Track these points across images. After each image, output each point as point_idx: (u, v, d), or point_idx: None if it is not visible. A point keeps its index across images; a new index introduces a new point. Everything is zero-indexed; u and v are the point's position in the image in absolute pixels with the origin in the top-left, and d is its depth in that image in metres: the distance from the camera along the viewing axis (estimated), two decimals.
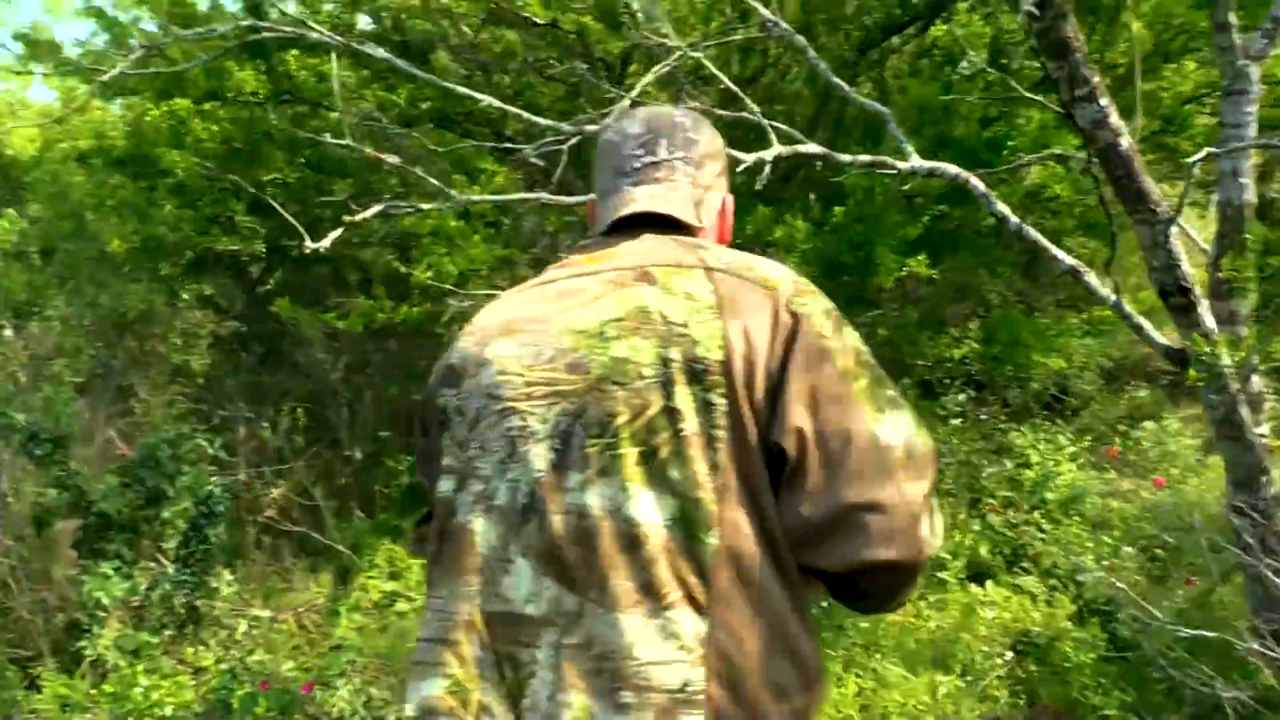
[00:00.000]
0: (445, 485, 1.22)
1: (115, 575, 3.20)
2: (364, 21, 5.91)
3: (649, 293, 1.19)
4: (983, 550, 4.27)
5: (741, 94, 2.91)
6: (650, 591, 1.08)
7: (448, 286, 3.75)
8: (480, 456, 1.19)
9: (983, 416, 6.11)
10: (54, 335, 4.35)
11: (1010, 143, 4.33)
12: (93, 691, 2.98)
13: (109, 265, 4.61)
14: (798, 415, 1.11)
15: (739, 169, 2.93)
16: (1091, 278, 3.01)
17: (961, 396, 5.73)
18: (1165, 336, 3.20)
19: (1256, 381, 3.15)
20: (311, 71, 5.64)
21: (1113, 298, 2.98)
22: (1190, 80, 4.79)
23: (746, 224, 4.81)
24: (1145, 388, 6.30)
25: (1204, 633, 2.65)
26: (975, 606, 4.00)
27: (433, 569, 1.22)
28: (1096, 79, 2.54)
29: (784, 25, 3.29)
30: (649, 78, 3.19)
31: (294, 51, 5.65)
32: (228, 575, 3.64)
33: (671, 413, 1.12)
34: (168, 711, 2.84)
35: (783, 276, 1.21)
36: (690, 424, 1.11)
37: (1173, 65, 4.88)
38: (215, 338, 5.12)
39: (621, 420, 1.13)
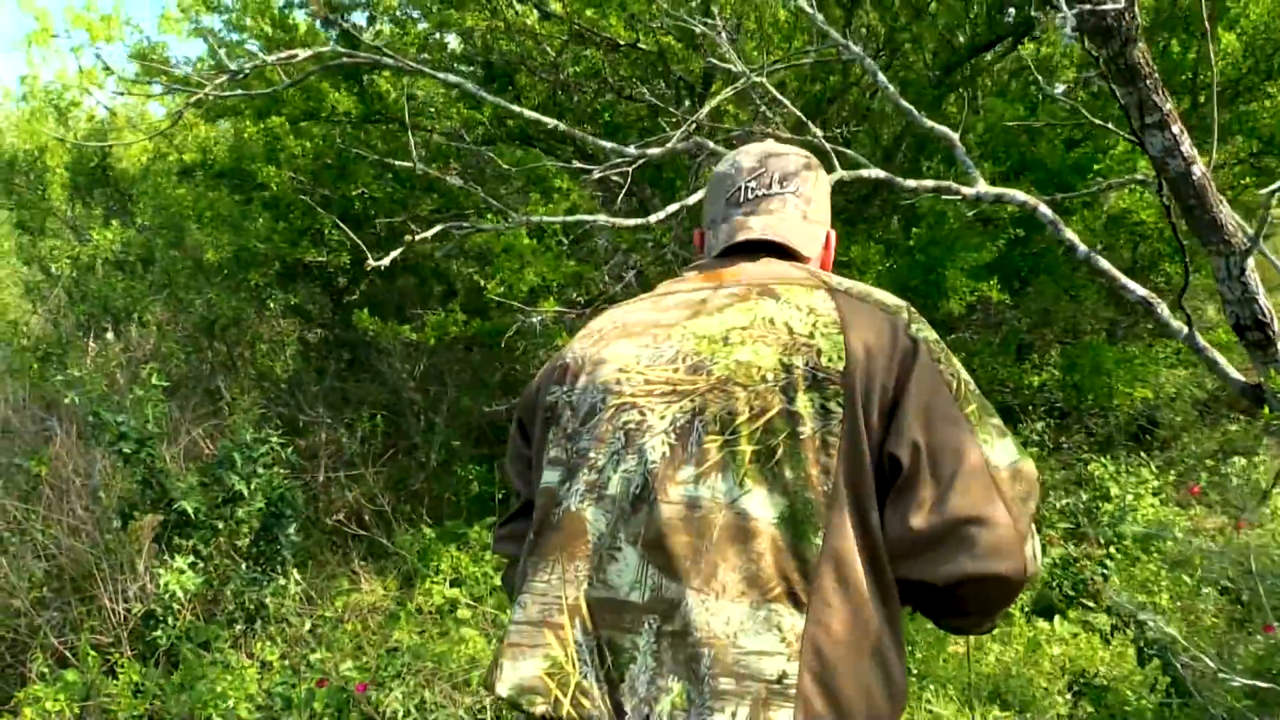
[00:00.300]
0: (550, 476, 1.27)
1: (190, 570, 3.34)
2: (454, 41, 6.10)
3: (773, 305, 1.27)
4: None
5: (805, 119, 2.92)
6: (756, 584, 1.11)
7: (516, 304, 3.83)
8: (594, 448, 1.24)
9: (1064, 446, 5.94)
10: (150, 340, 4.59)
11: (1096, 166, 4.21)
12: (163, 681, 3.12)
13: (204, 274, 4.84)
14: (914, 429, 1.16)
15: None
16: (1164, 309, 2.90)
17: (1040, 425, 5.57)
18: (1246, 373, 3.08)
19: None
20: (401, 91, 5.84)
21: (1184, 330, 2.88)
22: None
23: None
24: (1239, 421, 6.02)
25: (1273, 686, 2.52)
26: (1041, 642, 3.89)
27: (531, 556, 1.26)
28: (1169, 106, 2.46)
29: (854, 48, 3.27)
30: (717, 99, 3.22)
31: (385, 73, 5.87)
32: (296, 575, 3.77)
33: (791, 415, 1.17)
34: (230, 704, 2.96)
35: (900, 304, 1.29)
36: (808, 428, 1.16)
37: (1275, 83, 4.69)
38: (301, 345, 5.32)
39: (742, 419, 1.18)
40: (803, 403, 1.17)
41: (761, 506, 1.14)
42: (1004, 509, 1.14)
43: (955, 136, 3.10)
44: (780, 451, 1.16)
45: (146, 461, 3.43)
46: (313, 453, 5.09)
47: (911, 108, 3.18)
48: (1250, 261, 2.66)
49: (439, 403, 5.45)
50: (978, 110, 4.57)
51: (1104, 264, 2.94)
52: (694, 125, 3.15)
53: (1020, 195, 2.97)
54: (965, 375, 1.24)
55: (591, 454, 1.24)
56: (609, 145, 2.93)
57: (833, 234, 1.52)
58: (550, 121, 2.96)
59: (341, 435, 4.95)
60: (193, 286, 4.92)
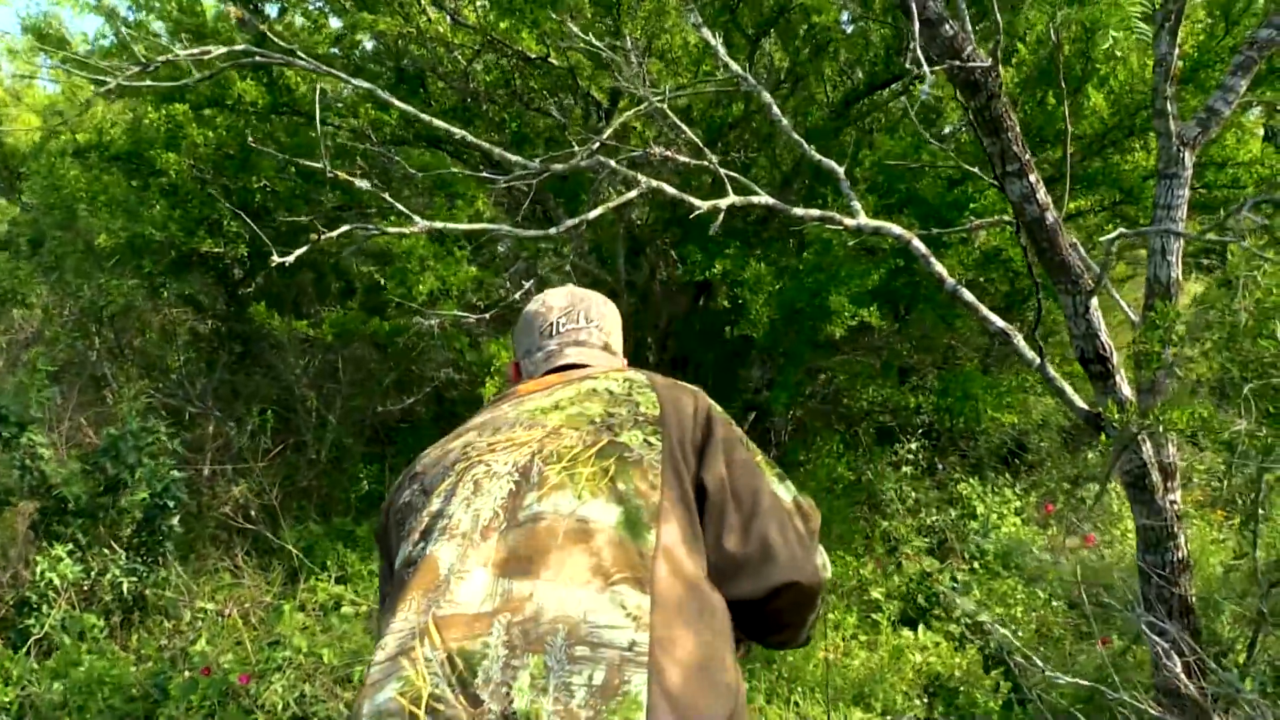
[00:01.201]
0: (406, 547, 1.36)
1: (67, 558, 3.30)
2: (367, 40, 6.11)
3: (593, 382, 1.54)
4: (875, 593, 4.40)
5: (703, 145, 3.07)
6: (600, 571, 1.23)
7: (415, 306, 3.89)
8: (446, 506, 1.36)
9: (939, 467, 6.27)
10: (34, 323, 4.47)
11: (972, 205, 4.50)
12: (35, 667, 3.08)
13: (94, 259, 4.74)
14: (720, 466, 1.41)
15: (693, 215, 3.10)
16: (1019, 340, 3.16)
17: (915, 445, 5.88)
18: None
19: (1171, 450, 3.31)
20: (311, 86, 5.82)
21: (1036, 361, 3.14)
22: (1152, 156, 4.98)
23: (716, 263, 4.98)
24: (1096, 448, 6.45)
25: (1096, 686, 2.78)
26: (904, 650, 4.13)
27: (391, 606, 1.32)
28: (1027, 156, 2.71)
29: (751, 81, 3.46)
30: (620, 119, 3.35)
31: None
32: (178, 567, 3.75)
33: (620, 445, 1.39)
34: (105, 692, 2.94)
35: (697, 388, 1.55)
36: (633, 454, 1.37)
37: (1137, 139, 5.08)
38: (192, 335, 5.24)
39: (576, 450, 1.38)
40: (628, 437, 1.40)
41: (600, 513, 1.30)
42: (794, 531, 1.41)
43: (840, 171, 3.31)
44: (613, 470, 1.35)
45: (26, 447, 3.37)
46: (199, 445, 5.02)
47: (803, 140, 3.38)
48: (1094, 301, 2.93)
49: (332, 400, 5.44)
50: (870, 145, 4.83)
51: (968, 296, 3.18)
52: (598, 145, 3.28)
53: (896, 229, 3.19)
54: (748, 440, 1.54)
55: (443, 510, 1.35)
56: (514, 158, 3.03)
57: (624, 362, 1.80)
58: (458, 131, 3.04)
59: (230, 429, 4.90)
60: (81, 271, 4.81)
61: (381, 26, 4.50)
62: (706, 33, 3.57)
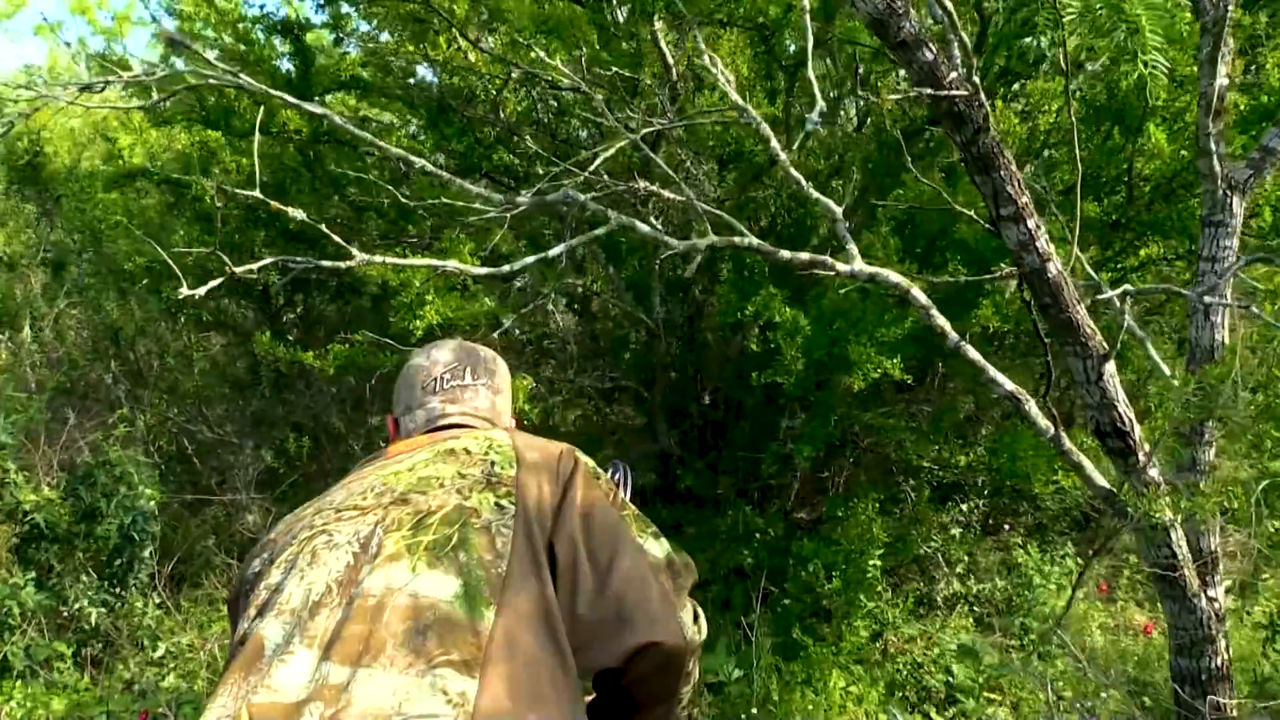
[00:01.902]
0: (243, 623, 1.27)
1: (30, 585, 3.24)
2: (425, 71, 6.08)
3: (455, 441, 1.45)
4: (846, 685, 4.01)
5: (680, 182, 2.84)
6: (422, 654, 1.15)
7: (409, 346, 3.75)
8: (284, 579, 1.27)
9: (1002, 528, 5.81)
10: (46, 343, 4.51)
11: None
12: None
13: (121, 279, 4.77)
14: (574, 525, 1.31)
15: (663, 255, 2.87)
16: (1032, 406, 2.81)
17: (967, 506, 5.45)
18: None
19: (1213, 540, 2.89)
20: (352, 112, 5.82)
21: (1050, 430, 2.78)
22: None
23: (749, 304, 4.70)
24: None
25: None
26: None
27: (215, 688, 1.24)
28: (1025, 199, 2.39)
29: (752, 112, 3.22)
30: (604, 155, 3.16)
31: (339, 94, 5.86)
32: (156, 598, 3.67)
33: (466, 509, 1.30)
34: None
35: (566, 446, 1.47)
36: (481, 519, 1.28)
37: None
38: (211, 362, 5.23)
39: (421, 515, 1.29)
40: (478, 500, 1.31)
41: (435, 586, 1.20)
42: (657, 588, 1.32)
43: (838, 210, 3.03)
44: (455, 539, 1.25)
45: (3, 470, 3.35)
46: (222, 470, 4.99)
47: (800, 177, 3.11)
48: (1110, 366, 2.57)
49: (358, 428, 5.35)
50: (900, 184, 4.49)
51: (973, 354, 2.85)
52: (575, 176, 3.09)
53: (894, 277, 2.88)
54: (623, 496, 1.48)
55: (282, 583, 1.27)
56: (481, 191, 2.86)
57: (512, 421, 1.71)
58: (417, 160, 2.89)
59: (261, 453, 4.85)
60: (103, 290, 4.85)
61: (399, 50, 4.42)
62: (709, 62, 3.35)
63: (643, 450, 6.36)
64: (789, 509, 5.77)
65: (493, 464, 1.38)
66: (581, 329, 6.39)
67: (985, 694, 4.56)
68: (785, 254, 2.98)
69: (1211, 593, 2.84)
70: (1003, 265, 4.08)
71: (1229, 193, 2.79)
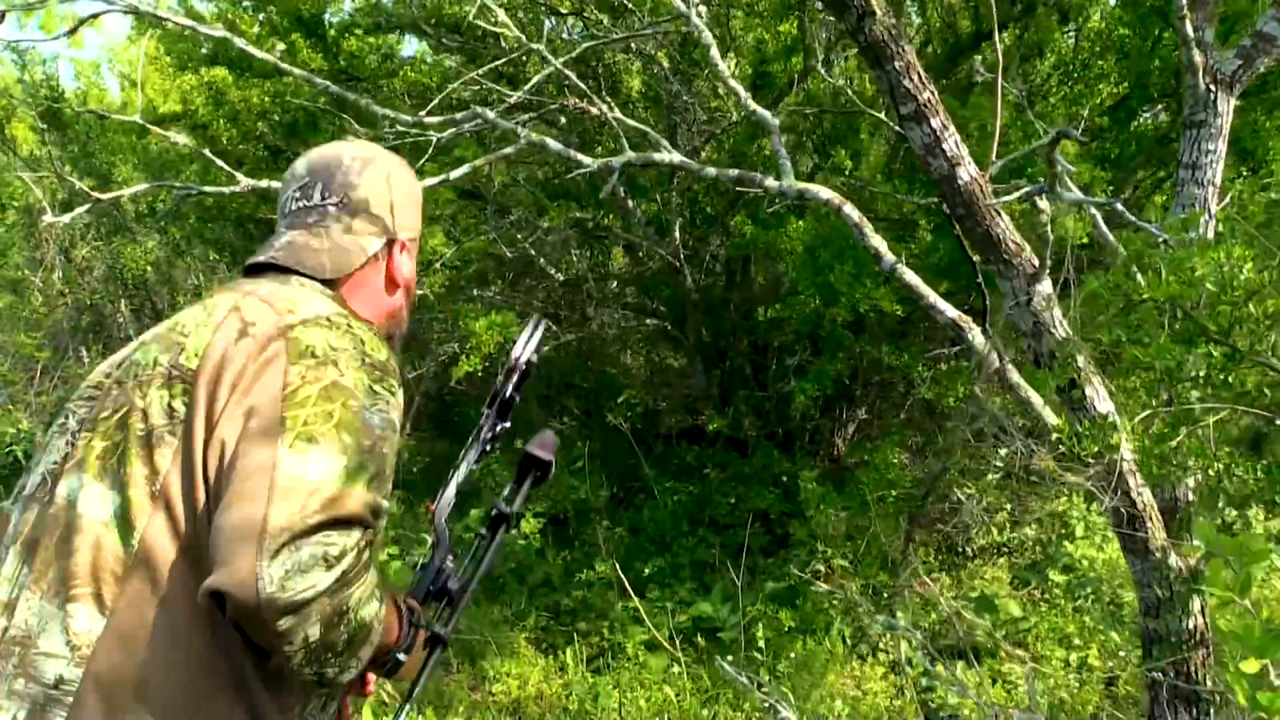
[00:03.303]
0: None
1: None
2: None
3: (194, 308, 1.21)
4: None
5: (591, 94, 2.63)
6: (65, 582, 1.06)
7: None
8: (37, 458, 1.22)
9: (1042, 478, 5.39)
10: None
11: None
12: None
13: (141, 219, 4.84)
14: (226, 429, 1.06)
15: (572, 173, 2.68)
16: (976, 335, 2.51)
17: (1004, 451, 5.07)
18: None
19: (1189, 484, 2.54)
20: (374, 50, 5.74)
21: (995, 362, 2.48)
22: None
23: (755, 233, 4.42)
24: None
25: None
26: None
27: None
28: (927, 95, 2.09)
29: (695, 19, 2.95)
30: (534, 82, 2.97)
31: (358, 31, 5.78)
32: None
33: (141, 413, 1.11)
34: None
35: (308, 312, 1.16)
36: (146, 424, 1.10)
37: None
38: None
39: (102, 415, 1.14)
40: (153, 399, 1.11)
41: (95, 504, 1.09)
42: (262, 514, 0.97)
43: (775, 123, 2.76)
44: (123, 448, 1.10)
45: None
46: None
47: (739, 88, 2.85)
48: (1043, 286, 2.25)
49: None
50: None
51: (911, 278, 2.56)
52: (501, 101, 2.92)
53: (825, 193, 2.61)
54: (351, 385, 1.09)
55: (37, 460, 1.21)
56: (381, 111, 2.72)
57: (400, 241, 1.35)
58: (320, 81, 2.76)
59: None
60: (114, 231, 4.94)
61: None
62: None
63: (680, 388, 6.18)
64: (816, 452, 5.50)
65: (181, 350, 1.13)
66: (630, 270, 6.16)
67: (1005, 649, 4.25)
68: (711, 170, 2.75)
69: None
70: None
71: (1213, 88, 2.39)
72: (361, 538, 1.02)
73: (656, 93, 5.35)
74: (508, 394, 1.42)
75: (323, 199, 1.31)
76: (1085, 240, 2.87)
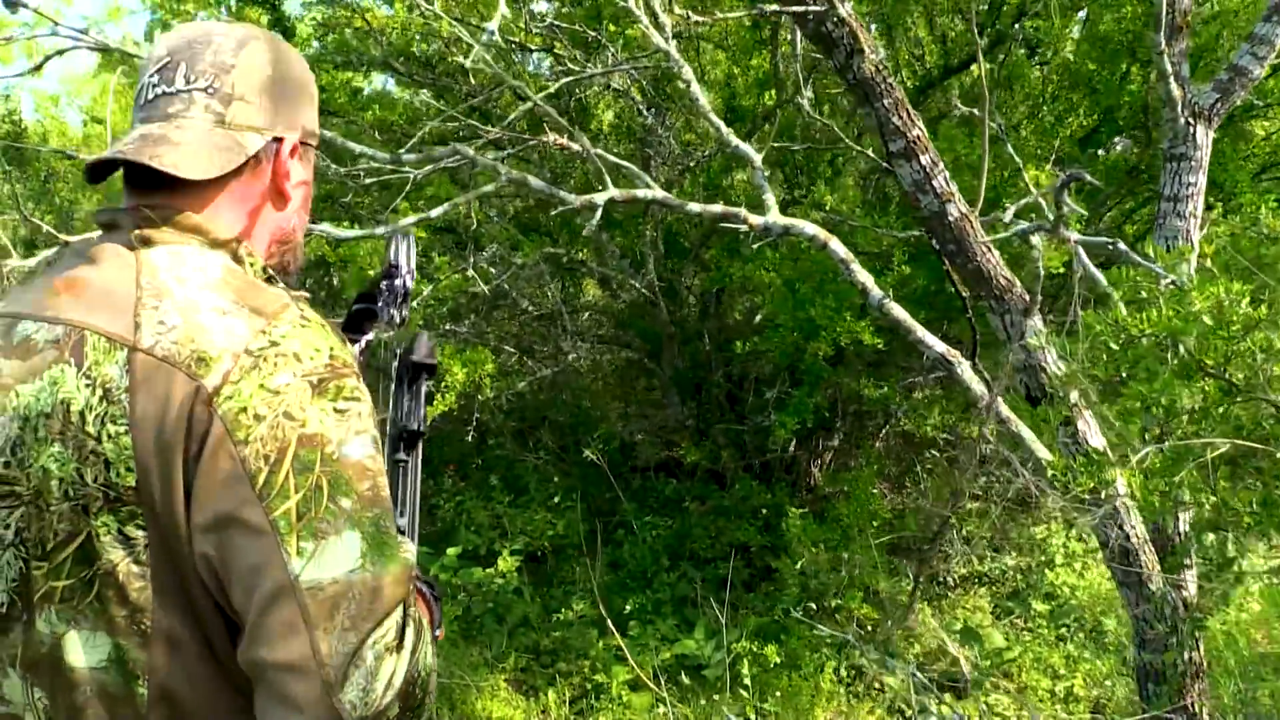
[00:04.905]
0: None
1: None
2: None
3: (74, 380, 0.96)
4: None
5: (572, 130, 2.60)
6: None
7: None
8: None
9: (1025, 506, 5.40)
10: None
11: (1005, 201, 3.74)
12: None
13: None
14: (206, 543, 0.92)
15: (556, 212, 2.64)
16: (965, 370, 2.49)
17: (983, 479, 5.07)
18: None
19: (1183, 520, 2.54)
20: (345, 87, 5.70)
21: (984, 397, 2.46)
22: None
23: (734, 267, 4.42)
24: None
25: None
26: None
27: None
28: (916, 132, 2.08)
29: (675, 55, 2.94)
30: (514, 116, 2.94)
31: (327, 66, 5.75)
32: None
33: (97, 545, 0.95)
34: None
35: (225, 349, 0.94)
36: (108, 559, 0.95)
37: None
38: None
39: (52, 547, 0.97)
40: (103, 528, 0.95)
41: (79, 652, 0.97)
42: (309, 645, 0.89)
43: (757, 158, 2.75)
44: (95, 588, 0.96)
45: None
46: None
47: (720, 122, 2.83)
48: (1034, 321, 2.25)
49: None
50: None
51: (899, 313, 2.54)
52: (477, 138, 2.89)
53: (810, 228, 2.59)
54: (321, 430, 0.93)
55: None
56: (358, 149, 2.67)
57: (291, 141, 1.09)
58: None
59: None
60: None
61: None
62: (632, 4, 3.08)
63: (657, 421, 6.14)
64: (794, 484, 5.47)
65: (107, 464, 0.94)
66: (606, 302, 6.15)
67: (991, 679, 4.23)
68: (695, 206, 2.72)
69: (1183, 578, 2.49)
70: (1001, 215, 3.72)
71: (1193, 121, 2.41)
72: (407, 602, 0.98)
73: (629, 126, 5.36)
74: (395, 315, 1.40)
75: (187, 84, 1.03)
76: (1061, 269, 2.90)
